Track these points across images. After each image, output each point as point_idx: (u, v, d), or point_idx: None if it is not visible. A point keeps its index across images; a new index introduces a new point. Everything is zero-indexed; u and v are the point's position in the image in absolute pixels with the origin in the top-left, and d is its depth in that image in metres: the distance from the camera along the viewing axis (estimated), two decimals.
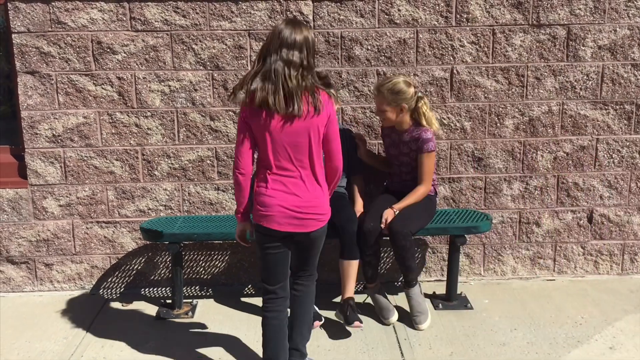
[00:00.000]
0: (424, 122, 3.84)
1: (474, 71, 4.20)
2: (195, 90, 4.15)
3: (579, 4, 4.13)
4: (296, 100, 2.85)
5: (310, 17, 4.07)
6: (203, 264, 4.41)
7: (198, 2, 4.02)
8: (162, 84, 4.13)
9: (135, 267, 4.39)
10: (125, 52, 4.08)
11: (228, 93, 4.11)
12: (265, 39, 4.01)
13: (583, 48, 4.21)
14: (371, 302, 4.04)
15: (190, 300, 4.23)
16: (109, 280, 4.40)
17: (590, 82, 4.26)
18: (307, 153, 2.95)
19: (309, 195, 2.97)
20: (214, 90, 4.15)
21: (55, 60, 4.06)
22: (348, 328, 3.75)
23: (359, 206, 4.04)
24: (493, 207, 4.41)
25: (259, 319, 3.18)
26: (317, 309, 3.87)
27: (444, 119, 4.25)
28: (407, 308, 3.94)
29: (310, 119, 2.90)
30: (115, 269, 4.38)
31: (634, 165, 4.40)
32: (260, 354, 3.48)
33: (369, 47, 4.14)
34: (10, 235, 4.29)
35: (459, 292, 4.20)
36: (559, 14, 4.14)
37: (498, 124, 4.29)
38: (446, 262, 4.34)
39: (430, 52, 4.16)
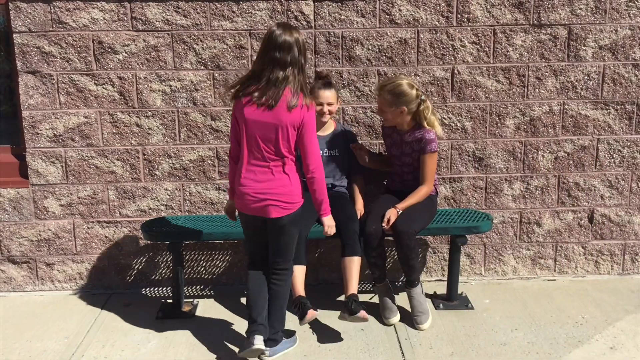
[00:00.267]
0: (426, 126, 3.83)
1: (475, 71, 4.20)
2: (196, 90, 4.15)
3: (579, 4, 4.13)
4: (273, 93, 3.14)
5: (311, 17, 4.07)
6: (204, 264, 4.42)
7: (199, 2, 4.02)
8: (163, 83, 4.13)
9: (136, 266, 4.40)
10: (126, 52, 4.08)
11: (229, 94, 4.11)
12: None
13: (584, 48, 4.21)
14: (378, 301, 4.03)
15: (191, 300, 4.23)
16: (110, 279, 4.40)
17: (591, 82, 4.26)
18: (276, 147, 3.22)
19: (274, 183, 3.26)
20: (215, 90, 4.15)
21: (57, 60, 4.07)
22: (353, 323, 3.72)
23: (360, 205, 4.05)
24: (494, 207, 4.41)
25: None
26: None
27: (445, 118, 4.25)
28: (408, 308, 3.94)
29: (280, 114, 3.16)
30: (116, 268, 4.39)
31: (634, 165, 4.39)
32: (261, 354, 3.51)
33: (370, 47, 4.14)
34: (11, 234, 4.29)
35: (459, 292, 4.20)
36: (560, 14, 4.14)
37: (499, 124, 4.29)
38: (447, 262, 4.34)
39: (431, 52, 4.16)
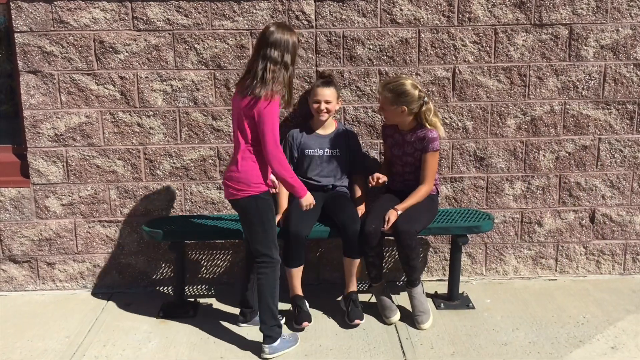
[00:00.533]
0: (428, 126, 3.83)
1: (476, 71, 4.20)
2: (197, 89, 4.15)
3: (581, 3, 4.13)
4: (249, 84, 3.32)
5: (313, 17, 4.07)
6: (205, 263, 4.42)
7: (200, 2, 4.02)
8: (164, 83, 4.13)
9: (138, 266, 4.40)
10: (127, 52, 4.08)
11: (230, 93, 4.12)
12: None
13: (585, 48, 4.20)
14: (376, 301, 4.04)
15: (193, 300, 4.23)
16: (111, 279, 4.41)
17: (592, 82, 4.26)
18: (240, 133, 3.40)
19: (233, 167, 3.44)
20: (216, 89, 4.15)
21: (58, 59, 4.07)
22: (352, 325, 3.81)
23: (361, 205, 4.04)
24: (495, 207, 4.41)
25: None
26: (307, 306, 3.92)
27: (446, 118, 4.25)
28: (409, 307, 3.94)
29: (242, 103, 3.34)
30: (117, 268, 4.39)
31: (636, 165, 4.39)
32: (261, 352, 3.53)
33: (371, 47, 4.14)
34: (12, 234, 4.30)
35: (460, 291, 4.20)
36: (561, 14, 4.14)
37: (500, 124, 4.29)
38: (448, 262, 4.34)
39: (432, 52, 4.16)
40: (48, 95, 4.12)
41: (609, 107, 4.30)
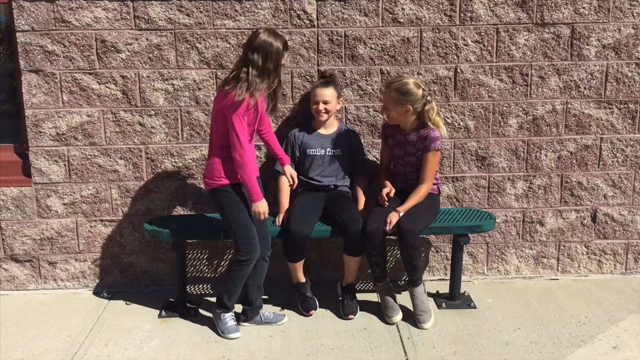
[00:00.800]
0: (430, 125, 3.83)
1: (478, 70, 4.19)
2: (199, 89, 4.15)
3: (583, 2, 4.12)
4: (226, 81, 3.47)
5: (314, 16, 4.07)
6: (206, 263, 4.42)
7: (202, 1, 4.02)
8: (166, 82, 4.13)
9: (139, 265, 4.40)
10: (129, 51, 4.08)
11: None
12: None
13: (587, 47, 4.20)
14: (379, 301, 4.04)
15: (194, 299, 4.23)
16: (113, 278, 4.41)
17: (594, 81, 4.25)
18: (212, 128, 3.60)
19: (207, 161, 3.70)
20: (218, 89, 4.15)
21: (59, 58, 4.07)
22: (355, 324, 3.86)
23: (362, 205, 4.04)
24: (496, 206, 4.41)
25: None
26: (311, 292, 4.09)
27: (448, 117, 4.24)
28: (410, 307, 3.94)
29: (217, 101, 3.51)
30: (118, 267, 4.39)
31: (638, 165, 4.39)
32: (262, 352, 3.53)
33: (373, 46, 4.13)
34: (14, 233, 4.30)
35: (462, 291, 4.20)
36: (563, 13, 4.14)
37: (502, 123, 4.28)
38: (449, 261, 4.33)
39: (434, 51, 4.16)
40: (50, 95, 4.12)
41: (610, 106, 4.29)
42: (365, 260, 3.92)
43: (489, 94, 4.23)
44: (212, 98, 4.15)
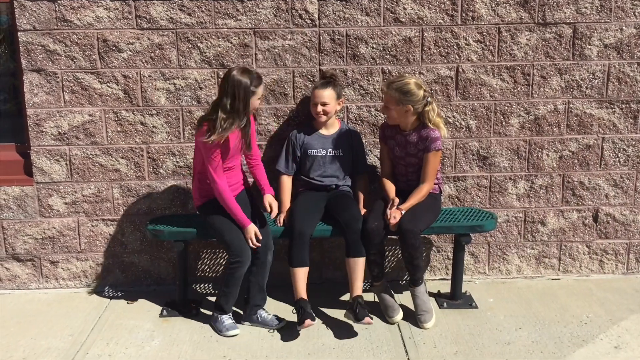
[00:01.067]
0: (430, 126, 3.82)
1: (480, 70, 4.19)
2: (201, 88, 4.15)
3: (585, 2, 4.12)
4: (201, 120, 3.67)
5: (316, 15, 4.07)
6: (208, 262, 4.42)
7: (203, 0, 4.02)
8: (168, 82, 4.13)
9: (141, 264, 4.40)
10: (130, 50, 4.08)
11: None
12: (270, 37, 4.04)
13: (589, 47, 4.19)
14: (377, 301, 4.04)
15: (195, 298, 4.23)
16: (114, 277, 4.41)
17: (596, 81, 4.25)
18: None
19: None
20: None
21: (61, 58, 4.07)
22: (358, 325, 3.74)
23: (363, 206, 4.04)
24: (498, 206, 4.41)
25: None
26: (310, 309, 3.77)
27: (449, 117, 4.24)
28: (411, 307, 3.94)
29: (195, 137, 3.68)
30: (120, 266, 4.39)
31: (639, 165, 4.38)
32: (263, 351, 3.51)
33: (374, 46, 4.13)
34: (15, 232, 4.30)
35: (463, 290, 4.20)
36: (565, 13, 4.13)
37: (503, 123, 4.28)
38: (451, 261, 4.33)
39: (435, 51, 4.16)
40: (51, 94, 4.12)
41: (612, 106, 4.29)
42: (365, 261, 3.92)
43: (491, 93, 4.23)
44: (214, 97, 4.14)
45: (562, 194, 4.41)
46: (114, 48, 4.07)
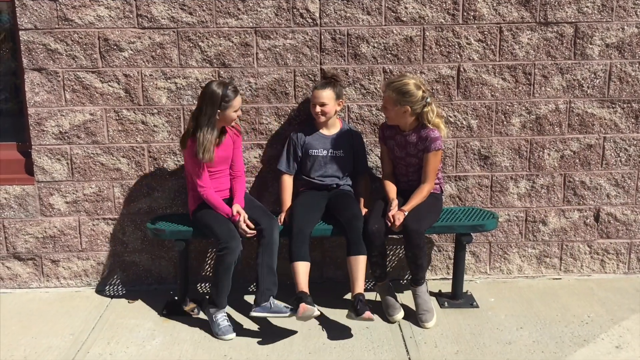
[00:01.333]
0: (430, 126, 3.81)
1: (481, 69, 4.19)
2: (202, 87, 4.14)
3: (586, 1, 4.11)
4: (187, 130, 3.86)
5: (317, 15, 4.06)
6: (209, 261, 4.42)
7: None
8: (169, 81, 4.13)
9: (141, 264, 4.40)
10: (131, 49, 4.08)
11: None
12: (271, 36, 4.04)
13: (590, 46, 4.19)
14: (379, 300, 4.03)
15: (197, 297, 4.23)
16: (115, 276, 4.41)
17: (597, 81, 4.24)
18: None
19: None
20: None
21: (62, 57, 4.07)
22: (358, 322, 3.71)
23: (364, 206, 4.04)
24: (499, 206, 4.41)
25: None
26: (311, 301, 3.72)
27: (450, 116, 4.24)
28: (412, 306, 3.94)
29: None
30: (121, 265, 4.40)
31: None
32: (264, 350, 3.50)
33: (376, 45, 4.13)
34: (17, 231, 4.30)
35: (464, 290, 4.20)
36: (567, 12, 4.13)
37: (505, 122, 4.28)
38: (452, 261, 4.33)
39: (437, 50, 4.15)
40: (52, 93, 4.12)
41: (614, 105, 4.29)
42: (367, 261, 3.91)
43: (492, 93, 4.23)
44: None
45: (563, 194, 4.40)
46: (115, 47, 4.07)
